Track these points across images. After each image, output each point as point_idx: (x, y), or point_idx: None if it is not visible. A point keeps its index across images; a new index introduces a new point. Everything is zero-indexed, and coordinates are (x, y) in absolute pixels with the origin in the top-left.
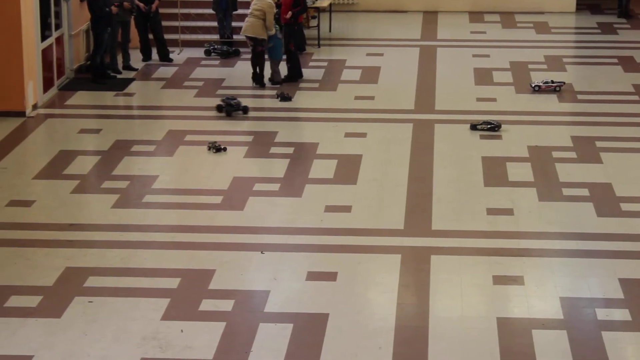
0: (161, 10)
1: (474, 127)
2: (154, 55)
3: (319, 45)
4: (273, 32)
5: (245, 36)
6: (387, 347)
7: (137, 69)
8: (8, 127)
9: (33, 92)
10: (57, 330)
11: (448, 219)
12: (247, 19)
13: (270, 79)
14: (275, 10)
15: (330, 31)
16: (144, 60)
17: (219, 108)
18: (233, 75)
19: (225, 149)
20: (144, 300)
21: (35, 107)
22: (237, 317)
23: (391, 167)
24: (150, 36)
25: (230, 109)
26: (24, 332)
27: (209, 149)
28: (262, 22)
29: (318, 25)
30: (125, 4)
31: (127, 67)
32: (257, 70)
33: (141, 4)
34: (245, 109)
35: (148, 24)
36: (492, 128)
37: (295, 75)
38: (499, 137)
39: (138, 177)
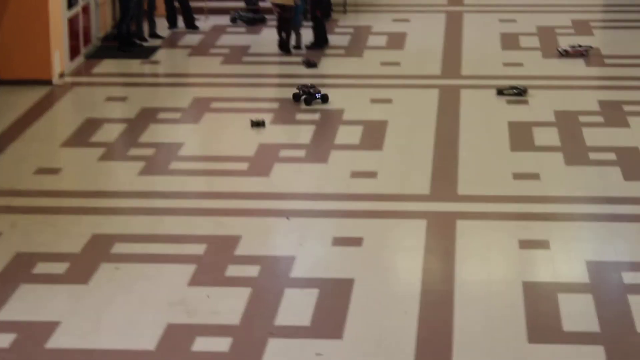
0: None
1: (500, 92)
2: (180, 23)
3: (345, 11)
4: None
5: (272, 3)
6: (412, 311)
7: (164, 36)
8: (35, 96)
9: (60, 60)
10: (83, 296)
11: (474, 183)
12: None
13: (294, 46)
14: None
15: None
16: (169, 28)
17: (295, 97)
18: (259, 43)
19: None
20: (171, 266)
21: (62, 75)
22: (263, 282)
23: (417, 133)
24: (177, 4)
25: (310, 98)
26: (51, 298)
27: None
28: None
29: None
30: None
31: (153, 34)
32: (284, 37)
33: None
34: (325, 98)
35: None
36: (518, 93)
37: (321, 42)
38: (525, 102)
39: (164, 144)
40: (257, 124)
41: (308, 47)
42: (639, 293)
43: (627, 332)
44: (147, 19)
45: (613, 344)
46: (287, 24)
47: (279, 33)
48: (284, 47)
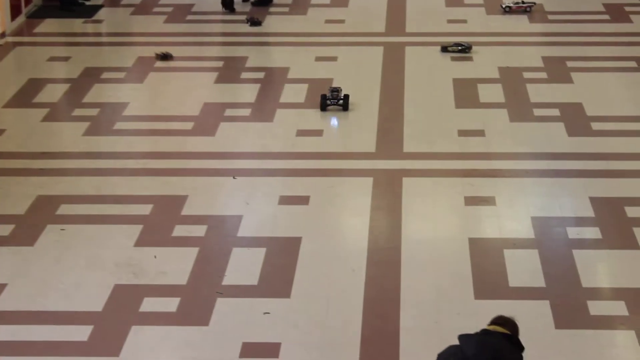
0: None
1: (444, 49)
2: None
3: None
4: None
5: None
6: (360, 269)
7: None
8: None
9: (0, 20)
10: (30, 258)
11: (419, 141)
12: None
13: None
14: None
15: None
16: None
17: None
18: (202, 1)
19: (171, 56)
20: (117, 227)
21: (3, 35)
22: (211, 242)
23: (362, 91)
24: None
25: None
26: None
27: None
28: None
29: None
30: None
31: None
32: None
33: None
34: (345, 103)
35: None
36: (463, 50)
37: (265, 0)
38: (470, 59)
39: (108, 104)
40: (164, 57)
41: (253, 4)
42: (583, 248)
43: (572, 287)
44: None
45: (559, 298)
46: None
47: None
48: (227, 5)
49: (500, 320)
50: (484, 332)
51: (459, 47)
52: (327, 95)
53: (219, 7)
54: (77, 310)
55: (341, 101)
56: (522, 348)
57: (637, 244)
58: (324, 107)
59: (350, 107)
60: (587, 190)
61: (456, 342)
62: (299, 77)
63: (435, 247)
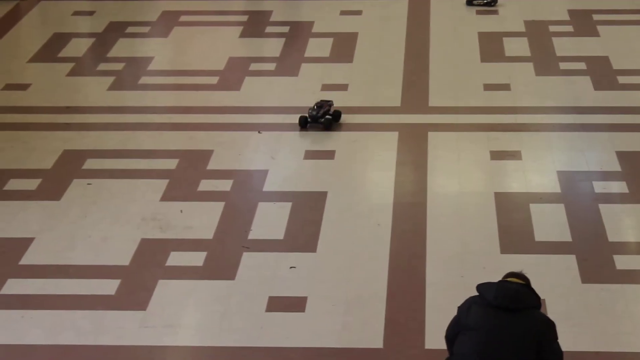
0: None
1: (470, 2)
2: None
3: None
4: None
5: None
6: (385, 223)
7: None
8: (0, 11)
9: None
10: (57, 212)
11: (445, 95)
12: None
13: None
14: None
15: None
16: None
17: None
18: None
19: None
20: (143, 181)
21: None
22: (236, 196)
23: (387, 45)
24: None
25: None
26: (25, 215)
27: None
28: None
29: None
30: None
31: None
32: None
33: None
34: (327, 122)
35: None
36: (488, 3)
37: None
38: (495, 12)
39: (133, 58)
40: None
41: None
42: (609, 202)
43: (598, 240)
44: None
45: (585, 252)
46: None
47: None
48: None
49: (513, 274)
50: (502, 281)
51: (484, 1)
52: (311, 111)
53: None
54: (104, 264)
55: (322, 120)
56: (538, 296)
57: None
58: (303, 125)
59: (375, 61)
60: (613, 144)
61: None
62: (323, 31)
63: (461, 201)
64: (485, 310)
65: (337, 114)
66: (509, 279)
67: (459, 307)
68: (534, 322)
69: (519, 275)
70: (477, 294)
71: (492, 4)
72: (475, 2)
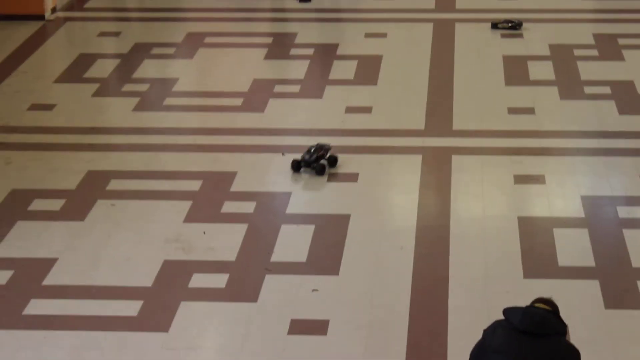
0: None
1: (494, 25)
2: None
3: None
4: None
5: None
6: (409, 247)
7: None
8: (27, 31)
9: None
10: (80, 233)
11: (469, 118)
12: None
13: None
14: None
15: None
16: None
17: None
18: None
19: None
20: (166, 202)
21: (54, 10)
22: (259, 218)
23: (411, 68)
24: None
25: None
26: (48, 235)
27: None
28: None
29: None
30: None
31: None
32: None
33: None
34: (332, 162)
35: None
36: (513, 26)
37: None
38: (520, 36)
39: (158, 80)
40: None
41: None
42: (634, 227)
43: (622, 266)
44: None
45: (608, 278)
46: None
47: None
48: None
49: (541, 300)
50: (529, 307)
51: (509, 24)
52: (305, 155)
53: None
54: (127, 285)
55: (315, 165)
56: (565, 323)
57: None
58: (295, 169)
59: (399, 83)
60: (638, 169)
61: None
62: (348, 53)
63: (484, 225)
64: (510, 334)
65: (332, 159)
66: (536, 305)
67: (484, 330)
68: (559, 348)
69: (547, 302)
70: (502, 317)
71: (517, 27)
72: (500, 25)
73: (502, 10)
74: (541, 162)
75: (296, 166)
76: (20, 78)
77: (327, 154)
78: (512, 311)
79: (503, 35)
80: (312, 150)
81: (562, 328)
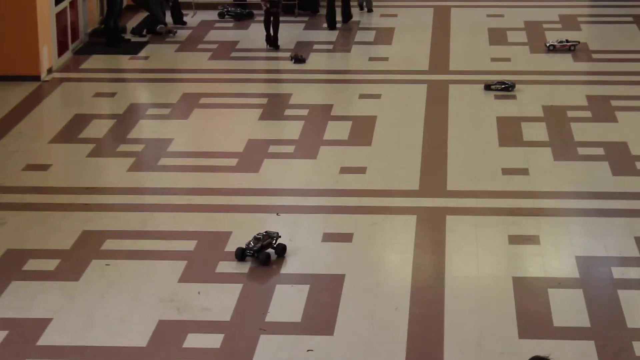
0: None
1: (487, 87)
2: (168, 18)
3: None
4: None
5: None
6: (403, 307)
7: (159, 31)
8: (23, 92)
9: (48, 56)
10: (75, 293)
11: (463, 179)
12: None
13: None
14: None
15: None
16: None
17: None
18: (247, 38)
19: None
20: (161, 262)
21: (50, 71)
22: (254, 278)
23: (405, 128)
24: None
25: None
26: (43, 295)
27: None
28: None
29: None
30: None
31: (150, 30)
32: (271, 32)
33: None
34: (280, 251)
35: None
36: (506, 88)
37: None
38: (513, 97)
39: (153, 140)
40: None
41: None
42: (628, 288)
43: (617, 327)
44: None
45: (604, 339)
46: (275, 18)
47: (267, 28)
48: (272, 42)
49: (539, 358)
50: None
51: (502, 85)
52: (249, 243)
53: (263, 44)
54: (122, 345)
55: (259, 254)
56: None
57: None
58: (239, 258)
59: (393, 144)
60: (632, 230)
61: None
62: (342, 114)
63: (479, 285)
64: None
65: (281, 248)
66: None
67: None
68: None
69: None
70: None
71: (510, 89)
72: (493, 86)
73: (495, 71)
74: (535, 223)
75: (240, 255)
76: (16, 138)
77: (275, 241)
78: None
79: (496, 97)
80: (255, 239)
81: None
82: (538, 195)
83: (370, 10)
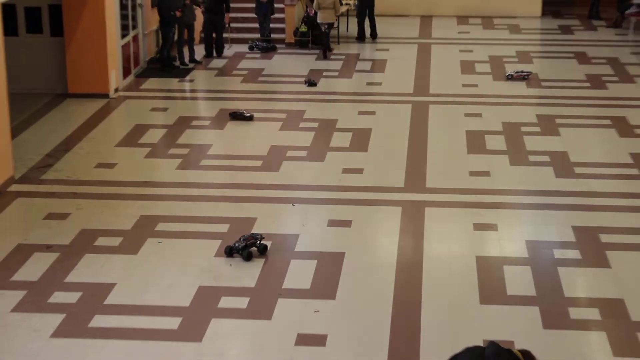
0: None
1: (510, 76)
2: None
3: (338, 42)
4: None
5: (320, 23)
6: (390, 278)
7: (201, 62)
8: (95, 106)
9: (115, 78)
10: (134, 264)
11: (439, 179)
12: (320, 12)
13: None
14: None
15: (347, 31)
16: (206, 56)
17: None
18: (271, 66)
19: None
20: (201, 241)
21: (116, 90)
22: (274, 255)
23: (394, 138)
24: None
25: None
26: (109, 265)
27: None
28: (333, 10)
29: (338, 27)
30: (177, 12)
31: (193, 60)
32: (328, 47)
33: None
34: (262, 250)
35: (213, 26)
36: (524, 76)
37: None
38: (479, 115)
39: (196, 145)
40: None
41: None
42: (566, 266)
43: (556, 296)
44: (188, 48)
45: (546, 305)
46: (328, 36)
47: (324, 43)
48: (325, 55)
49: (522, 350)
50: (506, 350)
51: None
52: (235, 243)
53: (283, 70)
54: (170, 305)
55: (243, 252)
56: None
57: (608, 264)
58: (228, 254)
59: (384, 150)
60: (570, 221)
61: (463, 339)
62: (345, 126)
63: (450, 262)
64: None
65: (262, 247)
66: (514, 350)
67: (455, 355)
68: None
69: (526, 354)
70: (463, 340)
71: (527, 77)
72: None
73: (465, 95)
74: (494, 214)
75: (228, 252)
76: (89, 143)
77: (258, 241)
78: (490, 345)
79: (466, 114)
80: (241, 239)
81: None
82: (497, 192)
83: (374, 37)
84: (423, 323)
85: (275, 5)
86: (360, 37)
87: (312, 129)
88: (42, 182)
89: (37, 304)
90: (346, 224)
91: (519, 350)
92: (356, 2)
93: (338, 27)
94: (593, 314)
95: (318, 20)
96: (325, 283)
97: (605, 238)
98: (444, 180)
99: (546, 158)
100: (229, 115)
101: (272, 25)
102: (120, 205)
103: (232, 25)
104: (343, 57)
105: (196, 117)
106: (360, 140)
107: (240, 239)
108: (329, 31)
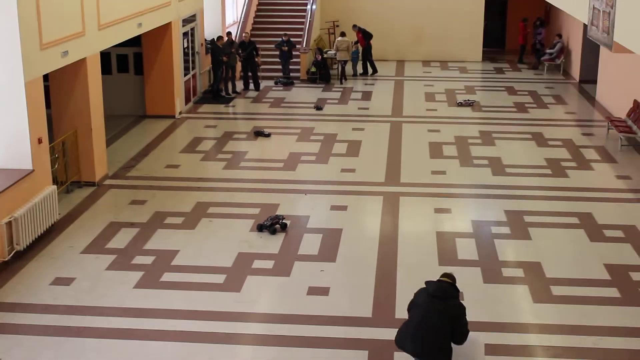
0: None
1: (459, 104)
2: (250, 85)
3: (345, 79)
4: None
5: (338, 60)
6: (374, 247)
7: (240, 92)
8: (165, 124)
9: (179, 104)
10: (192, 237)
11: (409, 176)
12: (338, 53)
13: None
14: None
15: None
16: (244, 88)
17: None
18: (290, 96)
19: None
20: (239, 220)
21: (180, 113)
22: (291, 230)
23: (378, 148)
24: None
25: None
26: (175, 238)
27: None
28: (347, 52)
29: (338, 68)
30: (224, 57)
31: (234, 91)
32: (343, 79)
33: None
34: (284, 227)
35: (249, 67)
36: (469, 103)
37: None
38: (438, 131)
39: (237, 152)
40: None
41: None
42: (500, 238)
43: (493, 259)
44: (231, 83)
45: (485, 266)
46: (344, 69)
47: (340, 75)
48: (342, 81)
49: (445, 274)
50: (438, 280)
51: (468, 101)
52: (265, 221)
53: (299, 98)
54: (218, 265)
55: (270, 228)
56: (458, 290)
57: (530, 237)
58: (259, 229)
59: (373, 158)
60: (502, 206)
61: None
62: (343, 139)
63: (417, 236)
64: (427, 296)
65: (284, 225)
66: (443, 278)
67: (415, 293)
68: (453, 305)
69: (449, 275)
70: (424, 286)
71: (472, 104)
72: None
73: (428, 116)
74: (449, 201)
75: (259, 228)
76: (161, 150)
77: (281, 221)
78: (429, 283)
79: (429, 130)
80: (268, 219)
81: (456, 293)
82: (451, 186)
83: (374, 72)
84: (398, 278)
85: (293, 53)
86: (365, 72)
87: (319, 140)
88: (127, 178)
89: (123, 264)
90: (343, 208)
91: (443, 275)
92: (355, 49)
93: (338, 68)
94: (519, 272)
95: (337, 58)
96: (329, 250)
97: (527, 218)
98: (413, 177)
99: (486, 162)
100: (253, 132)
101: (291, 67)
102: (182, 194)
103: (263, 66)
104: (341, 89)
105: (236, 132)
106: (354, 148)
107: (267, 218)
108: (344, 65)
